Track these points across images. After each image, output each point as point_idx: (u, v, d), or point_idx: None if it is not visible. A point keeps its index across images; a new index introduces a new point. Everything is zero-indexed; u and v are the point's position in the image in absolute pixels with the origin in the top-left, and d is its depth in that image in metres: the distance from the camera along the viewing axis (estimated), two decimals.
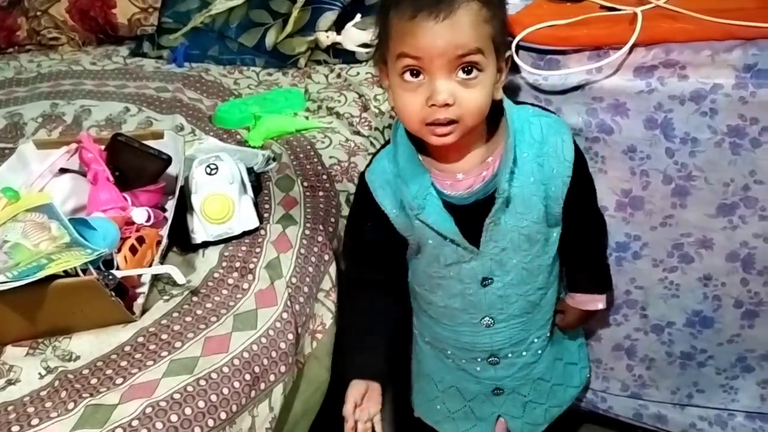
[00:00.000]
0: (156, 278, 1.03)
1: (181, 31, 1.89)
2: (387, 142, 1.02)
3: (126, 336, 0.94)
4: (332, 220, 1.21)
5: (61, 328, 0.95)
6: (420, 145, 0.96)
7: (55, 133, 1.55)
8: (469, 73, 0.85)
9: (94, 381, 0.87)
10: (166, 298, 1.01)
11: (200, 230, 1.11)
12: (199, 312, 0.98)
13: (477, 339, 1.06)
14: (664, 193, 1.07)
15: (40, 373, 0.89)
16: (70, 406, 0.83)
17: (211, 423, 0.84)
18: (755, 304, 1.12)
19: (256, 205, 1.17)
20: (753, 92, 0.95)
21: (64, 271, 0.89)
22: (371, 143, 1.44)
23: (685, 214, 1.08)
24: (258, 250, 1.10)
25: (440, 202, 0.95)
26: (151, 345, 0.92)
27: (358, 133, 1.46)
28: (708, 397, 1.25)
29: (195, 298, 1.00)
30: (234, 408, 0.87)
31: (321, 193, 1.26)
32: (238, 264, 1.07)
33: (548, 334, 1.10)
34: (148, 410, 0.81)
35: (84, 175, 1.17)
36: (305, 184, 1.28)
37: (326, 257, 1.14)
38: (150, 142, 1.19)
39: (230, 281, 1.04)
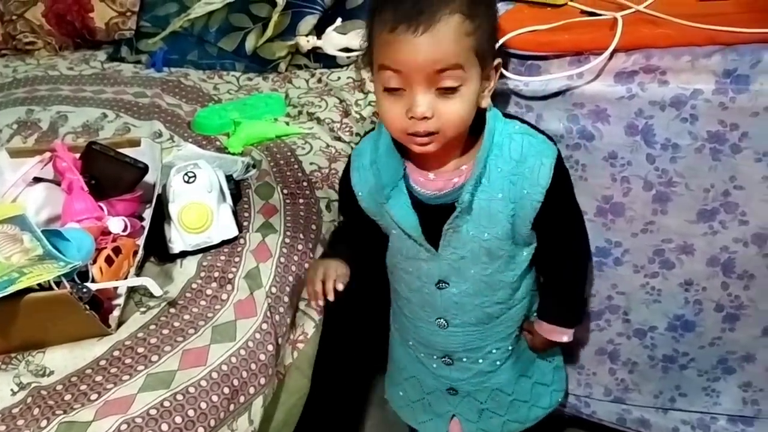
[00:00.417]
0: (133, 290, 1.02)
1: (160, 35, 1.87)
2: None
3: (101, 350, 0.92)
4: (313, 227, 1.20)
5: (34, 343, 0.93)
6: None
7: (30, 140, 1.52)
8: (449, 86, 0.84)
9: (68, 397, 0.85)
10: (142, 309, 0.99)
11: (178, 240, 1.09)
12: (176, 324, 0.97)
13: (432, 337, 1.06)
14: (645, 200, 1.07)
15: (12, 390, 0.87)
16: (43, 423, 0.81)
17: None
18: (736, 308, 1.13)
19: (235, 213, 1.16)
20: (733, 98, 0.95)
21: (38, 284, 0.87)
22: (352, 149, 1.43)
23: (666, 220, 1.08)
24: (237, 259, 1.08)
25: (408, 196, 0.95)
26: (127, 359, 0.91)
27: (339, 138, 1.45)
28: (690, 400, 1.25)
29: (172, 310, 0.99)
30: (212, 423, 0.86)
31: (301, 201, 1.24)
32: (216, 274, 1.05)
33: (510, 348, 1.08)
34: (123, 427, 0.80)
35: (58, 184, 1.15)
36: (285, 191, 1.26)
37: (307, 266, 1.13)
38: (127, 150, 1.18)
39: (209, 292, 1.02)
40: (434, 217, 0.95)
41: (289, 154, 1.39)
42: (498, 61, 0.92)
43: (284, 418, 1.02)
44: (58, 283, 0.89)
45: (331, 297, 0.99)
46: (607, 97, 1.01)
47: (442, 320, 1.03)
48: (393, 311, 1.15)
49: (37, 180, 1.15)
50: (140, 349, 0.92)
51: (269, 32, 1.76)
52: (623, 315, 1.20)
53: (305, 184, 1.29)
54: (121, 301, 0.98)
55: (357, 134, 1.48)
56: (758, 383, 1.20)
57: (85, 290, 0.90)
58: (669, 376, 1.24)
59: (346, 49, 1.71)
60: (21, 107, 1.67)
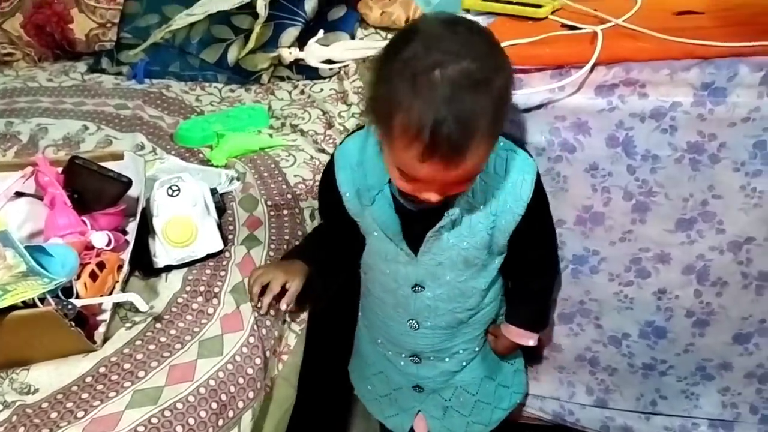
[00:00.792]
0: (118, 305, 1.01)
1: (141, 46, 1.86)
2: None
3: (87, 366, 0.91)
4: (298, 237, 1.20)
5: (18, 360, 0.92)
6: None
7: (10, 153, 1.50)
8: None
9: (54, 415, 0.84)
10: (128, 325, 0.99)
11: (163, 254, 1.09)
12: (162, 339, 0.96)
13: (402, 337, 1.08)
14: (625, 209, 1.09)
15: None
16: None
17: None
18: (706, 314, 1.15)
19: (219, 226, 1.15)
20: (711, 109, 0.97)
21: (22, 301, 0.86)
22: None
23: (645, 229, 1.10)
24: (223, 273, 1.08)
25: (392, 201, 0.96)
26: (113, 375, 0.90)
27: (323, 150, 1.45)
28: (671, 404, 1.28)
29: (158, 325, 0.98)
30: None
31: (285, 212, 1.25)
32: (202, 288, 1.05)
33: (477, 349, 1.11)
34: None
35: (40, 198, 1.14)
36: (269, 203, 1.26)
37: None
38: (110, 164, 1.17)
39: (194, 306, 1.02)
40: (415, 222, 0.96)
41: (273, 166, 1.39)
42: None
43: (274, 430, 1.01)
44: (42, 300, 0.89)
45: (263, 311, 1.03)
46: (588, 110, 1.02)
47: (414, 322, 1.05)
48: (363, 309, 1.17)
49: (19, 194, 1.14)
50: (126, 365, 0.91)
51: (251, 44, 1.75)
52: (595, 320, 1.22)
53: (290, 196, 1.29)
54: (106, 316, 0.98)
55: None
56: (737, 388, 1.23)
57: (70, 307, 0.89)
58: (649, 381, 1.26)
59: (329, 61, 1.72)
60: (0, 120, 1.65)
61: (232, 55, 1.79)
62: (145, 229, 1.12)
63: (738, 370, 1.20)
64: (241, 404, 0.93)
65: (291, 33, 1.77)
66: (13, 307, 0.85)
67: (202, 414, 0.87)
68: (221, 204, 1.23)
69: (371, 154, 0.95)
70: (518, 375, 1.23)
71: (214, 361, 0.93)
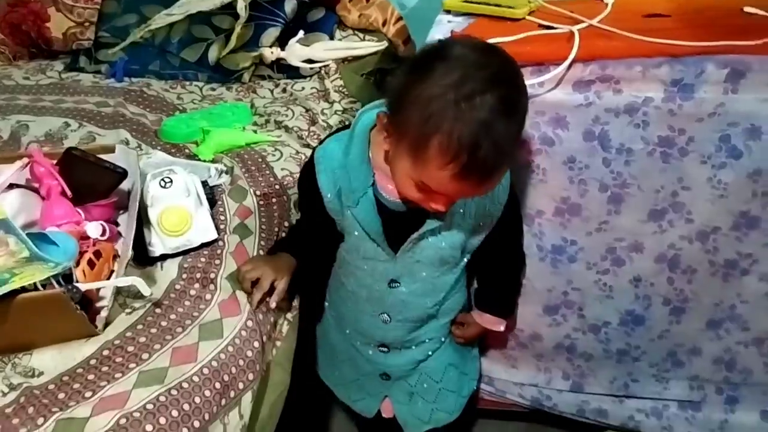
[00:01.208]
0: (117, 292, 1.02)
1: (120, 45, 1.86)
2: (347, 126, 1.05)
3: (90, 350, 0.93)
4: (287, 225, 1.24)
5: (21, 344, 0.93)
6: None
7: None
8: None
9: (61, 395, 0.86)
10: (128, 311, 1.00)
11: (158, 243, 1.11)
12: (163, 323, 0.98)
13: (372, 329, 1.14)
14: (600, 200, 1.14)
15: (2, 391, 0.87)
16: (40, 421, 0.82)
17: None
18: (681, 301, 1.21)
19: (212, 216, 1.17)
20: (680, 105, 1.03)
21: (22, 287, 0.88)
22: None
23: (620, 219, 1.15)
24: (218, 261, 1.11)
25: (374, 203, 1.00)
26: (117, 357, 0.92)
27: (308, 145, 1.48)
28: (642, 386, 1.33)
29: (158, 310, 1.00)
30: (206, 416, 0.88)
31: (274, 200, 1.28)
32: (199, 275, 1.07)
33: (442, 339, 1.18)
34: (123, 421, 0.81)
35: (33, 189, 1.15)
36: (258, 193, 1.29)
37: None
38: (101, 156, 1.18)
39: (192, 292, 1.05)
40: (394, 222, 1.01)
41: (260, 160, 1.41)
42: None
43: (269, 413, 1.04)
44: (44, 285, 0.90)
45: (254, 308, 1.05)
46: (566, 105, 1.07)
47: (385, 315, 1.10)
48: (331, 300, 1.21)
49: (12, 186, 1.14)
50: (130, 348, 0.93)
51: (232, 44, 1.77)
52: (578, 310, 1.27)
53: (278, 186, 1.32)
54: (106, 302, 0.99)
55: None
56: (705, 374, 1.29)
57: (75, 290, 0.91)
58: (622, 366, 1.32)
59: (310, 60, 1.75)
60: None
61: (212, 55, 1.81)
62: (139, 220, 1.13)
63: (707, 355, 1.26)
64: (241, 385, 0.95)
65: (271, 33, 1.80)
66: (20, 291, 0.86)
67: (207, 393, 0.90)
68: (212, 196, 1.24)
69: (355, 158, 0.98)
70: (474, 361, 1.31)
71: (215, 344, 0.96)
